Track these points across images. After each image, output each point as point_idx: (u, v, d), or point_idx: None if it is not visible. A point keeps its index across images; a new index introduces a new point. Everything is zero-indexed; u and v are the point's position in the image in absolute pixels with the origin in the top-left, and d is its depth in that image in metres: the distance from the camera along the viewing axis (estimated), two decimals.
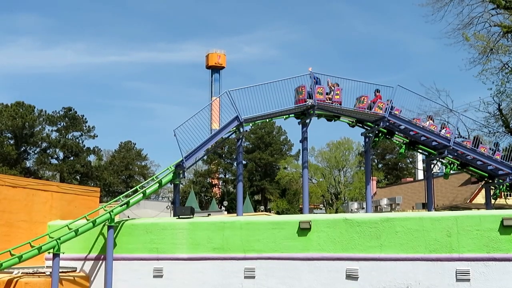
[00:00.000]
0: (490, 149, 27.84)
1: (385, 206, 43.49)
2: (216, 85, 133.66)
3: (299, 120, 26.72)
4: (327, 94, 25.98)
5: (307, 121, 26.43)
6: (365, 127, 27.74)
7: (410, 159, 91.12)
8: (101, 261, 22.24)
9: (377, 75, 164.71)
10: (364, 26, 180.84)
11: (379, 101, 26.34)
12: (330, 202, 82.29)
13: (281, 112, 26.18)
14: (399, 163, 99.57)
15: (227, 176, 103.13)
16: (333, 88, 26.21)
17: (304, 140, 26.78)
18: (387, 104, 26.43)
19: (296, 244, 20.44)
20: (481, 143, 27.77)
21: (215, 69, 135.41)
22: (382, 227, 19.77)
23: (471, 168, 28.39)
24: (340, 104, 26.34)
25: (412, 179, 75.10)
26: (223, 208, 70.14)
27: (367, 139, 27.99)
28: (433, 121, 27.88)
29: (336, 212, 72.93)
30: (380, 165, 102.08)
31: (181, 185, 26.88)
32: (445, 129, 27.31)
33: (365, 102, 26.34)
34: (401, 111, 26.89)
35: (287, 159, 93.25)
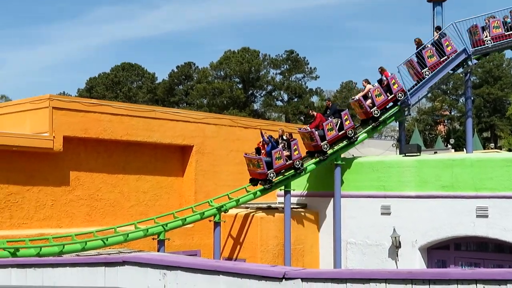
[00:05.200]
0: None
1: None
2: (438, 18, 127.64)
3: None
4: None
5: None
6: None
7: None
8: (329, 198, 22.83)
9: None
10: None
11: None
12: None
13: None
14: None
15: (452, 113, 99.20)
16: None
17: None
18: None
19: None
20: None
21: (437, 2, 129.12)
22: None
23: None
24: None
25: None
26: (449, 146, 67.77)
27: None
28: None
29: None
30: None
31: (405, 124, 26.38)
32: None
33: None
34: None
35: None
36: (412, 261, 20.82)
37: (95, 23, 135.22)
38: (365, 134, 22.87)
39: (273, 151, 20.72)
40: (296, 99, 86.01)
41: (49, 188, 18.99)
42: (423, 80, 23.39)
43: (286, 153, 21.08)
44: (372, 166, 22.17)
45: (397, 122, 25.00)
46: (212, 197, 21.37)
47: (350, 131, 22.09)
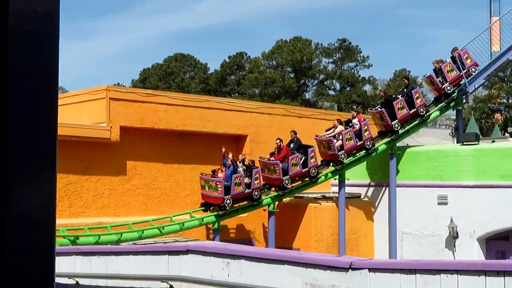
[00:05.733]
0: None
1: None
2: (496, 4, 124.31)
3: None
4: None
5: None
6: None
7: None
8: (384, 188, 22.61)
9: None
10: None
11: None
12: None
13: None
14: None
15: (510, 101, 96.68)
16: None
17: None
18: None
19: None
20: None
21: None
22: None
23: None
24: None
25: None
26: (507, 134, 66.13)
27: None
28: None
29: None
30: None
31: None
32: None
33: None
34: None
35: None
36: (470, 251, 20.43)
37: (148, 15, 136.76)
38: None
39: (234, 176, 19.15)
40: (348, 88, 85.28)
41: (106, 177, 19.35)
42: (482, 67, 22.91)
43: (247, 180, 19.57)
44: (429, 155, 21.82)
45: (454, 111, 24.56)
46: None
47: (313, 170, 20.71)
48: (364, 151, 21.51)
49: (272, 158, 20.41)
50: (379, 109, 21.96)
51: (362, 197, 23.33)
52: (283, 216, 21.89)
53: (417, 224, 21.69)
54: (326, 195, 22.73)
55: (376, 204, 22.95)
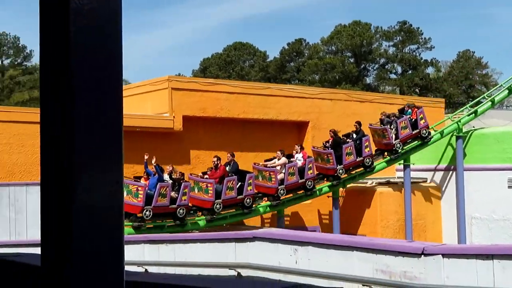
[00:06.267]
0: None
1: None
2: None
3: None
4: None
5: None
6: None
7: None
8: (451, 172, 22.10)
9: None
10: None
11: None
12: None
13: None
14: None
15: None
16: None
17: None
18: None
19: None
20: None
21: None
22: None
23: None
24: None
25: None
26: None
27: None
28: None
29: None
30: None
31: None
32: None
33: None
34: None
35: None
36: None
37: (206, 5, 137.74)
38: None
39: (159, 184, 16.48)
40: (410, 71, 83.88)
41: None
42: None
43: (173, 194, 16.85)
44: (497, 137, 21.18)
45: None
46: None
47: (248, 199, 18.17)
48: (303, 190, 19.58)
49: (206, 176, 17.92)
50: (327, 150, 20.13)
51: (428, 181, 22.86)
52: (347, 203, 21.69)
53: (486, 209, 21.12)
54: (391, 180, 22.38)
55: (443, 189, 22.46)
